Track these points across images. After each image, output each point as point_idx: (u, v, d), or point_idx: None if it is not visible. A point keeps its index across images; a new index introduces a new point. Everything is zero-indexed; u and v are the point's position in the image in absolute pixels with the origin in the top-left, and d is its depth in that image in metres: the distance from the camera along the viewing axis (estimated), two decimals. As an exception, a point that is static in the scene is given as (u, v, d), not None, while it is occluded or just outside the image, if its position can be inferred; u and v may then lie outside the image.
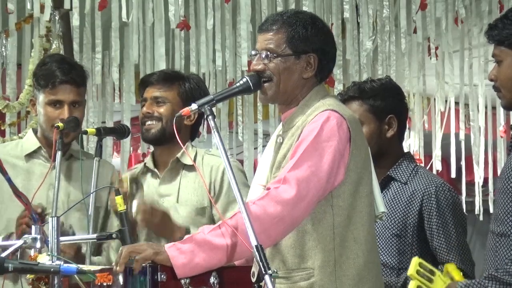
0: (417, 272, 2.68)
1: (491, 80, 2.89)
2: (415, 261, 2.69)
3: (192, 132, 3.70)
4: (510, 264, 2.69)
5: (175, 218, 3.49)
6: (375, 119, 3.59)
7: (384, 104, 3.60)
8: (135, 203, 3.43)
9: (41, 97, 3.58)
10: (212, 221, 3.49)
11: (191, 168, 3.54)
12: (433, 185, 3.52)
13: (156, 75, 3.68)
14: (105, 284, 2.61)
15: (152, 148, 3.78)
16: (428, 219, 3.49)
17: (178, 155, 3.57)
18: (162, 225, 3.40)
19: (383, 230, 3.54)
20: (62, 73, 3.57)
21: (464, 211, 3.72)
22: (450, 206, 3.50)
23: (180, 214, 3.54)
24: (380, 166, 3.62)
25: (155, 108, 3.57)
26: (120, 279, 2.57)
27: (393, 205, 3.56)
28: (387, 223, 3.53)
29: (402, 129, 3.69)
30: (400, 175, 3.59)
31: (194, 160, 3.56)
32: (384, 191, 3.60)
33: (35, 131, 3.71)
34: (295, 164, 2.75)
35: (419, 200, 3.51)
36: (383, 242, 3.54)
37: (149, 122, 3.58)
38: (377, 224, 3.54)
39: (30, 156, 3.63)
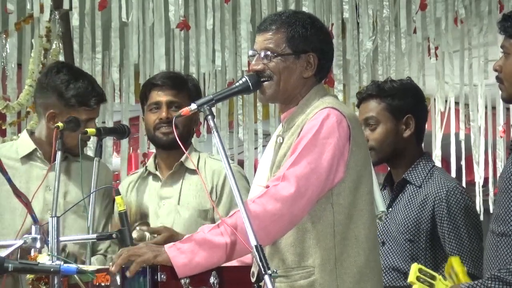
0: (417, 278, 2.67)
1: (496, 70, 2.88)
2: (415, 267, 2.68)
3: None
4: None
5: (176, 220, 3.49)
6: (392, 118, 3.57)
7: (402, 103, 3.58)
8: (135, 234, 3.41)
9: (68, 113, 3.53)
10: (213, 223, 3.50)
11: (194, 171, 3.55)
12: (444, 189, 3.47)
13: (165, 78, 3.65)
14: (103, 284, 2.61)
15: (153, 149, 3.79)
16: (440, 224, 3.44)
17: (182, 159, 3.57)
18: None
19: (397, 235, 3.50)
20: (97, 93, 3.57)
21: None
22: (462, 210, 3.44)
23: (182, 216, 3.54)
24: (397, 167, 3.61)
25: (173, 113, 3.55)
26: (118, 279, 2.57)
27: (407, 210, 3.51)
28: (401, 228, 3.49)
29: (420, 130, 3.64)
30: (415, 178, 3.55)
31: (197, 164, 3.56)
32: (400, 195, 3.57)
33: (29, 132, 3.69)
34: (294, 161, 2.75)
35: (431, 205, 3.46)
36: (396, 246, 3.50)
37: (167, 127, 3.56)
38: (391, 229, 3.52)
39: (26, 158, 3.62)
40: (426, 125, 3.71)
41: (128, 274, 2.56)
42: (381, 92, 3.60)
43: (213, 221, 3.52)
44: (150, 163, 3.70)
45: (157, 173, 3.65)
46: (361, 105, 3.65)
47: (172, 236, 3.32)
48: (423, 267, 2.70)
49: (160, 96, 3.61)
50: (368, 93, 3.62)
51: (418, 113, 3.62)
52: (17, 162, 3.61)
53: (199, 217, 3.50)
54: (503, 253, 2.74)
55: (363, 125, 3.57)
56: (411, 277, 2.67)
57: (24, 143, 3.64)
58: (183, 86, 3.62)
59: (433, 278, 2.70)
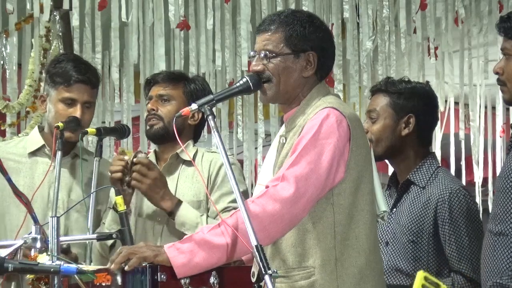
0: (423, 286, 2.65)
1: (496, 73, 2.85)
2: (420, 275, 2.66)
3: (195, 133, 3.71)
4: None
5: None
6: (393, 114, 3.58)
7: (407, 103, 3.59)
8: (138, 156, 3.42)
9: (54, 94, 3.58)
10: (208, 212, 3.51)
11: (190, 163, 3.56)
12: (447, 191, 3.47)
13: (162, 74, 3.70)
14: (104, 284, 2.61)
15: (153, 148, 3.79)
16: (442, 226, 3.44)
17: (178, 151, 3.58)
18: (154, 186, 3.38)
19: (400, 236, 3.50)
20: (79, 72, 3.59)
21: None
22: (464, 213, 3.44)
23: None
24: (398, 166, 3.61)
25: (160, 106, 3.59)
26: (119, 278, 2.56)
27: (410, 211, 3.51)
28: (404, 229, 3.49)
29: (424, 132, 3.63)
30: (419, 179, 3.55)
31: (194, 157, 3.57)
32: (404, 196, 3.57)
33: (40, 128, 3.72)
34: (294, 161, 2.75)
35: (433, 206, 3.46)
36: (399, 247, 3.50)
37: (153, 119, 3.59)
38: (395, 229, 3.52)
39: (33, 154, 3.64)
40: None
41: (126, 268, 2.56)
42: (390, 88, 3.61)
43: (206, 211, 3.52)
44: (151, 155, 3.72)
45: (156, 165, 3.65)
46: (371, 98, 3.70)
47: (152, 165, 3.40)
48: (429, 275, 2.68)
49: (152, 91, 3.65)
50: (378, 87, 3.66)
51: (422, 115, 3.61)
52: (24, 157, 3.63)
53: (193, 208, 3.50)
54: (500, 252, 2.74)
55: (366, 117, 3.61)
56: (417, 285, 2.65)
57: (33, 139, 3.67)
58: (175, 80, 3.62)
59: (438, 287, 2.68)
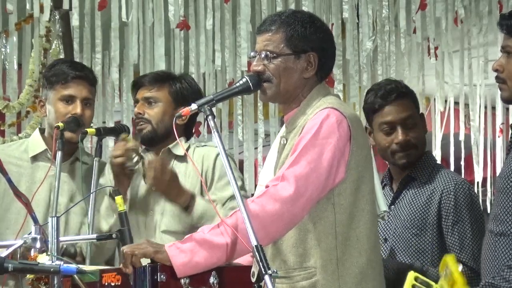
0: (413, 286, 2.66)
1: (496, 70, 2.85)
2: (411, 275, 2.67)
3: (186, 132, 3.70)
4: (507, 270, 2.68)
5: (167, 207, 3.49)
6: (418, 116, 3.61)
7: (417, 102, 3.65)
8: (148, 157, 3.44)
9: (52, 94, 3.58)
10: None
11: (182, 159, 3.57)
12: (452, 183, 3.49)
13: (148, 76, 3.71)
14: (112, 284, 2.61)
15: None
16: (446, 216, 3.45)
17: (171, 146, 3.58)
18: (170, 186, 3.41)
19: (403, 231, 3.51)
20: (75, 69, 3.60)
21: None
22: (468, 205, 3.46)
23: (170, 204, 3.53)
24: (405, 165, 3.61)
25: (146, 109, 3.59)
26: (130, 279, 2.57)
27: (412, 205, 3.52)
28: (407, 223, 3.50)
29: None
30: (420, 174, 3.56)
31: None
32: (404, 191, 3.58)
33: (41, 131, 3.70)
34: (294, 161, 2.75)
35: (437, 198, 3.48)
36: (403, 242, 3.51)
37: (141, 123, 3.59)
38: (396, 225, 3.52)
39: (35, 158, 3.62)
40: (426, 125, 3.71)
41: (127, 271, 2.57)
42: (408, 90, 3.62)
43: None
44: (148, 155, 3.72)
45: None
46: (391, 103, 3.54)
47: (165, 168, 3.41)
48: (420, 276, 2.68)
49: (138, 94, 3.67)
50: (403, 91, 3.58)
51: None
52: (26, 162, 3.61)
53: None
54: (501, 252, 2.74)
55: (398, 124, 3.52)
56: (406, 286, 2.65)
57: (35, 143, 3.65)
58: (160, 82, 3.62)
59: (429, 286, 2.69)
